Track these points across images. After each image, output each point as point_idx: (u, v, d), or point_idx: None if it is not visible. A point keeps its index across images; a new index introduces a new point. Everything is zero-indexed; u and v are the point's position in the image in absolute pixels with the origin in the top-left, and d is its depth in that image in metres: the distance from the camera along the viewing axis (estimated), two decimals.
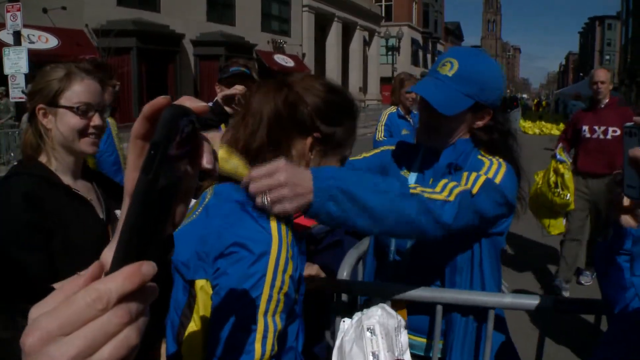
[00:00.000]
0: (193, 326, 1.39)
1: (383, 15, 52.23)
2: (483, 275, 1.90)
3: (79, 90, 1.96)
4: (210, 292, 1.33)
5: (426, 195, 1.53)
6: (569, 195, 5.39)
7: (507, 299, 2.01)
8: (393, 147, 2.20)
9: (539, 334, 2.11)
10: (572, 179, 5.44)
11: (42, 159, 1.97)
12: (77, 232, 1.92)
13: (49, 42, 16.93)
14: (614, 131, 5.69)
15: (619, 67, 79.70)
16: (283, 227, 1.35)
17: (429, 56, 67.16)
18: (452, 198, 1.57)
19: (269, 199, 1.27)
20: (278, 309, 1.31)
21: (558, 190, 5.39)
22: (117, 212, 2.14)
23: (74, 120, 1.94)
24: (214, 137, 1.46)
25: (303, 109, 1.45)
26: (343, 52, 41.40)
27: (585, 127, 5.84)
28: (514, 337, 2.17)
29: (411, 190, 1.51)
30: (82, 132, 1.96)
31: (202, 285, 1.36)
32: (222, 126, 3.75)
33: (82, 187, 2.05)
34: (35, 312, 0.54)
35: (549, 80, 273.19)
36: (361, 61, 45.06)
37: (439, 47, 74.43)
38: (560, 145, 5.80)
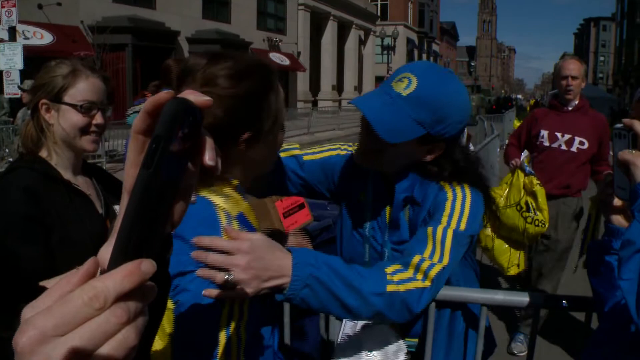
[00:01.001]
0: (158, 341, 1.27)
1: (379, 14, 52.15)
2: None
3: (83, 88, 1.97)
4: (172, 307, 1.23)
5: (402, 288, 1.44)
6: (543, 219, 4.08)
7: (499, 296, 2.04)
8: (345, 152, 1.93)
9: (530, 331, 2.15)
10: (544, 194, 4.13)
11: (43, 153, 1.98)
12: (76, 227, 1.94)
13: (44, 38, 16.85)
14: (581, 143, 4.37)
15: (613, 69, 79.78)
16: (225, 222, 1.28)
17: (424, 55, 67.09)
18: (428, 283, 1.48)
19: (231, 277, 1.19)
20: (242, 322, 1.24)
21: (531, 214, 4.07)
22: (116, 207, 2.16)
23: (76, 118, 1.95)
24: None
25: (224, 118, 1.27)
26: (338, 51, 41.35)
27: (544, 133, 4.48)
28: (506, 334, 2.20)
29: (387, 287, 1.42)
30: (84, 130, 1.98)
31: None
32: None
33: (82, 183, 2.06)
34: (29, 311, 0.52)
35: (543, 81, 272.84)
36: (356, 60, 45.02)
37: (434, 47, 74.47)
38: (527, 154, 4.57)
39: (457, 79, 1.68)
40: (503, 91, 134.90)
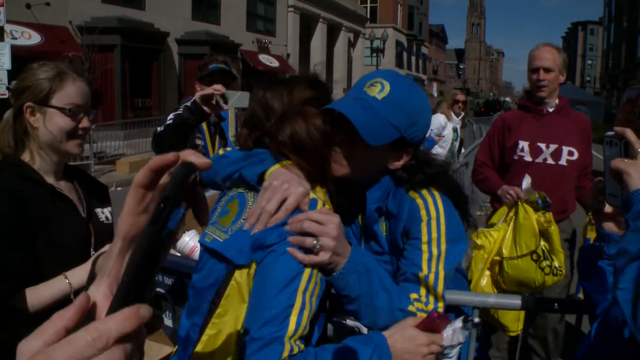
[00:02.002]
0: (221, 312, 1.48)
1: (368, 16, 52.25)
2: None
3: (70, 92, 1.96)
4: (251, 275, 1.44)
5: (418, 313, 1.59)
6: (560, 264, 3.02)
7: (491, 299, 2.08)
8: None
9: (521, 333, 2.17)
10: (558, 233, 3.07)
11: (25, 157, 1.97)
12: (60, 230, 1.94)
13: (32, 38, 16.72)
14: (570, 153, 3.49)
15: (600, 72, 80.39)
16: None
17: (413, 58, 67.32)
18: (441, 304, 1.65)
19: (319, 244, 1.41)
20: (315, 291, 1.42)
21: (548, 262, 2.97)
22: (98, 210, 2.17)
23: (63, 121, 1.95)
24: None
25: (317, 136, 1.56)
26: (328, 53, 41.34)
27: (524, 144, 3.54)
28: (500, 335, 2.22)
29: (409, 307, 1.59)
30: (71, 134, 1.98)
31: (247, 271, 1.45)
32: (205, 127, 3.77)
33: (64, 186, 2.06)
34: (25, 345, 0.56)
35: None
36: (346, 62, 45.06)
37: (424, 50, 74.64)
38: (529, 179, 3.12)
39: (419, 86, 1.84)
40: (491, 94, 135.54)
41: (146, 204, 0.71)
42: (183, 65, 24.14)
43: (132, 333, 0.57)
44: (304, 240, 1.41)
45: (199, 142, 3.73)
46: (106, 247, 1.94)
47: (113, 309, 0.59)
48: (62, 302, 1.82)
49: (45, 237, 1.87)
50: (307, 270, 1.41)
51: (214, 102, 2.96)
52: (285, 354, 1.32)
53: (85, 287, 0.74)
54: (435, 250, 1.64)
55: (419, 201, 1.68)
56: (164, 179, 0.71)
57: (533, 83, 3.60)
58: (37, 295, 1.80)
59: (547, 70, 3.52)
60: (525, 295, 2.21)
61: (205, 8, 26.20)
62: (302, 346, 1.37)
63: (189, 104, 3.02)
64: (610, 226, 1.52)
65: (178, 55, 23.83)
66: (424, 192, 1.69)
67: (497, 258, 3.07)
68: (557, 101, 3.64)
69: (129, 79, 20.40)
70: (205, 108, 2.98)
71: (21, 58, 10.05)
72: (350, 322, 1.72)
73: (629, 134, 1.37)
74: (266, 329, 1.33)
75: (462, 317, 1.61)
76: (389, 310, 1.56)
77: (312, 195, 1.51)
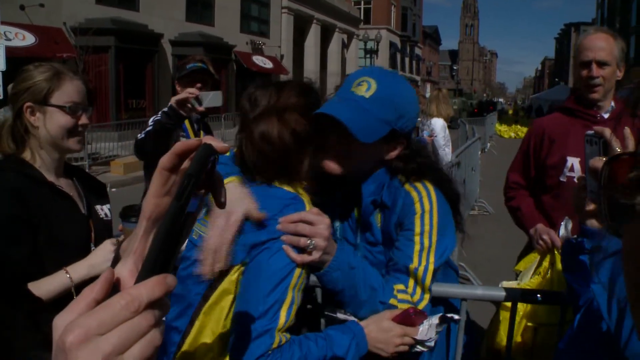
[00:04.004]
0: (208, 307, 1.53)
1: (362, 18, 52.30)
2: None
3: (69, 90, 2.02)
4: (238, 274, 1.51)
5: (399, 305, 1.70)
6: None
7: (479, 291, 2.17)
8: None
9: (508, 324, 2.24)
10: None
11: (26, 156, 2.01)
12: (61, 227, 1.98)
13: (26, 39, 16.68)
14: None
15: None
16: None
17: (406, 59, 67.42)
18: (423, 304, 1.74)
19: (312, 244, 1.52)
20: (302, 286, 1.52)
21: None
22: (97, 207, 2.22)
23: (64, 119, 2.01)
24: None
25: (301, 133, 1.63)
26: (322, 54, 41.36)
27: (573, 162, 2.79)
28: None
29: (390, 300, 1.70)
30: (71, 131, 2.03)
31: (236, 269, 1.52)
32: (188, 125, 3.76)
33: (64, 184, 2.11)
34: (60, 319, 0.60)
35: (525, 85, 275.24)
36: (339, 63, 45.06)
37: (417, 51, 74.75)
38: (569, 224, 2.18)
39: (404, 78, 1.91)
40: (485, 95, 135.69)
41: (169, 186, 0.76)
42: (177, 66, 24.15)
43: (161, 300, 0.61)
44: (298, 241, 1.50)
45: (183, 140, 3.74)
46: (107, 241, 2.02)
47: (141, 278, 0.63)
48: (64, 296, 1.87)
49: (46, 233, 1.92)
50: (299, 268, 1.50)
51: (189, 105, 3.06)
52: (275, 345, 1.42)
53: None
54: (426, 242, 1.72)
55: (414, 194, 1.76)
56: (186, 163, 0.75)
57: (583, 81, 2.79)
58: (39, 289, 1.84)
59: (602, 64, 2.71)
60: (510, 288, 2.28)
61: (199, 9, 26.19)
62: (288, 336, 1.47)
63: (166, 109, 3.11)
64: (592, 222, 1.55)
65: (172, 57, 23.82)
66: (419, 185, 1.78)
67: (530, 325, 2.46)
68: (612, 104, 2.85)
69: (122, 80, 20.37)
70: (181, 112, 3.08)
71: (15, 59, 10.04)
72: (341, 315, 1.78)
73: (607, 133, 1.43)
74: (259, 322, 1.42)
75: (439, 315, 1.71)
76: (372, 304, 1.68)
77: (295, 189, 1.62)
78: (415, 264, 1.71)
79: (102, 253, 1.98)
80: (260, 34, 31.64)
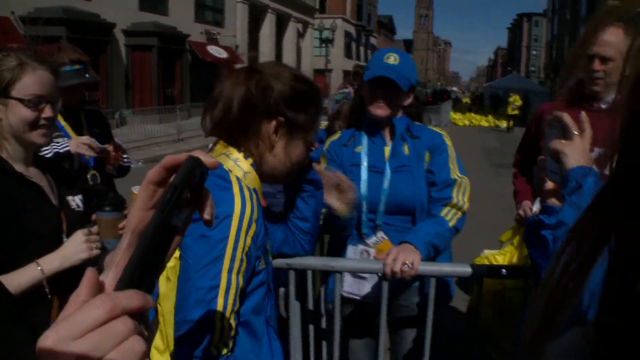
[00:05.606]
0: (165, 291, 1.53)
1: (317, 7, 52.14)
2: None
3: (30, 82, 1.95)
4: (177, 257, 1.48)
5: (454, 221, 2.50)
6: None
7: (446, 268, 2.34)
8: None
9: (475, 300, 2.40)
10: None
11: None
12: (31, 218, 1.94)
13: None
14: None
15: (544, 62, 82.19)
16: (246, 191, 1.52)
17: (362, 49, 67.55)
18: (461, 213, 2.56)
19: (401, 270, 2.21)
20: (241, 268, 1.46)
21: None
22: (69, 198, 2.17)
23: (24, 112, 1.95)
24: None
25: (271, 94, 1.60)
26: (277, 44, 41.14)
27: None
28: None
29: (450, 224, 2.49)
30: (33, 124, 1.98)
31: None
32: (63, 121, 3.45)
33: (34, 175, 2.06)
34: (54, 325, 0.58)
35: (478, 73, 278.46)
36: (295, 53, 44.89)
37: (372, 40, 74.93)
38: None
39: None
40: (439, 84, 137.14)
41: (156, 200, 0.73)
42: (130, 57, 23.72)
43: (138, 315, 0.60)
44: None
45: (59, 140, 3.25)
46: (78, 232, 1.99)
47: (119, 287, 0.62)
48: (35, 289, 1.85)
49: (15, 224, 1.88)
50: (229, 250, 1.44)
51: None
52: (217, 335, 1.41)
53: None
54: (455, 165, 2.64)
55: (442, 132, 2.71)
56: (173, 177, 0.71)
57: (587, 72, 2.78)
58: (9, 283, 1.72)
59: (605, 59, 2.68)
60: (476, 264, 2.45)
61: None
62: (234, 324, 1.45)
63: (61, 150, 3.07)
64: (553, 200, 1.65)
65: (125, 47, 23.41)
66: (437, 129, 2.72)
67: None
68: (612, 96, 2.78)
69: None
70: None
71: None
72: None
73: (566, 117, 1.54)
74: (196, 312, 1.40)
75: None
76: (446, 237, 2.49)
77: (225, 165, 1.59)
78: (455, 178, 2.58)
79: (73, 244, 1.94)
80: (215, 24, 31.29)
